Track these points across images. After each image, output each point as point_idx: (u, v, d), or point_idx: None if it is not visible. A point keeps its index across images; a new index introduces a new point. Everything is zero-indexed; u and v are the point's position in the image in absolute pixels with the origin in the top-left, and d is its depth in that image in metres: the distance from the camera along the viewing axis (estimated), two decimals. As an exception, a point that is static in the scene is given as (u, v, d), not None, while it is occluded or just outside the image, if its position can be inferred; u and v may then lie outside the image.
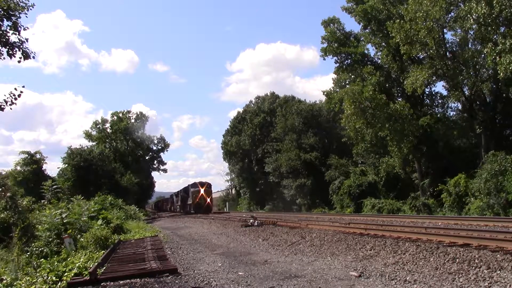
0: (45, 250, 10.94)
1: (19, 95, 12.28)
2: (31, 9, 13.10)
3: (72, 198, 20.23)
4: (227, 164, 69.69)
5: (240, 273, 7.59)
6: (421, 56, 29.15)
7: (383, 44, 32.22)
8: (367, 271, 7.13)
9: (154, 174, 76.29)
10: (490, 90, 28.71)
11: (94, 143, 60.61)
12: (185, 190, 52.19)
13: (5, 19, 12.62)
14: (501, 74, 19.62)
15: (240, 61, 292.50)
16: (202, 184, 47.43)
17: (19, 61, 13.09)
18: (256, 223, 18.92)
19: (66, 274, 7.85)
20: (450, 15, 25.55)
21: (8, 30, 12.69)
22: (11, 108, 12.26)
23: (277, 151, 50.06)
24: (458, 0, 23.63)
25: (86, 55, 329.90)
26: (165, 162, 75.23)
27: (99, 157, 43.58)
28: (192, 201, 46.11)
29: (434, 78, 28.13)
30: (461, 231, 10.92)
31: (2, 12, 12.46)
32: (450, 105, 34.39)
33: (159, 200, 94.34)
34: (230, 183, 75.51)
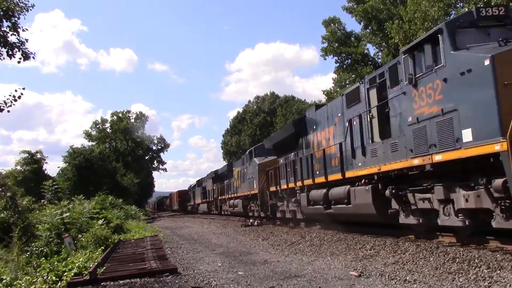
0: (45, 250, 10.95)
1: (19, 97, 12.31)
2: (31, 10, 13.14)
3: (73, 198, 20.25)
4: (226, 163, 69.63)
5: (240, 273, 7.60)
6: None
7: (384, 44, 32.24)
8: (367, 271, 7.13)
9: (154, 173, 76.31)
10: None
11: (94, 143, 60.64)
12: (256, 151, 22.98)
13: (4, 20, 12.66)
14: None
15: (239, 61, 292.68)
16: None
17: (19, 62, 13.14)
18: (256, 223, 18.93)
19: (66, 273, 7.86)
20: (451, 16, 25.55)
21: (7, 30, 12.73)
22: (8, 111, 12.29)
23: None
24: (457, 1, 23.64)
25: (85, 54, 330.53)
26: (165, 161, 75.35)
27: (99, 156, 43.57)
28: None
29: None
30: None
31: (2, 13, 12.48)
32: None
33: (162, 198, 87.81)
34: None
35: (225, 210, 31.14)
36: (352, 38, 35.61)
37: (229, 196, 28.86)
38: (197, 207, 45.86)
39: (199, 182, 45.09)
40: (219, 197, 32.88)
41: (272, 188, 18.53)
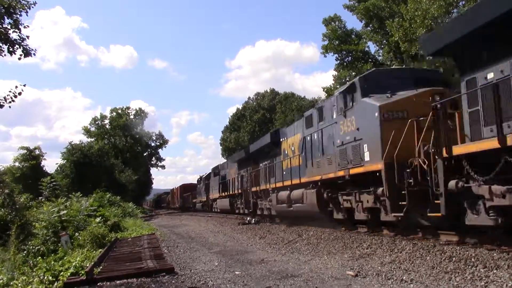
0: (41, 249, 10.93)
1: (19, 93, 12.34)
2: (32, 7, 13.17)
3: (70, 195, 20.23)
4: (225, 160, 69.51)
5: (236, 273, 7.59)
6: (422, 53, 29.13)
7: (384, 41, 32.22)
8: (364, 270, 7.12)
9: (152, 170, 76.30)
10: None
11: (93, 139, 60.58)
12: None
13: (6, 17, 12.67)
14: None
15: (240, 58, 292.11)
16: None
17: (19, 58, 13.18)
18: (253, 221, 18.96)
19: (62, 273, 7.83)
20: (453, 15, 25.50)
21: (9, 27, 12.76)
22: (10, 107, 12.32)
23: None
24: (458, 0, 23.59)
25: (85, 51, 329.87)
26: (163, 158, 75.33)
27: (98, 153, 43.52)
28: None
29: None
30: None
31: (4, 10, 12.49)
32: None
33: (161, 195, 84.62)
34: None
35: (264, 208, 20.26)
36: (353, 36, 35.60)
37: (277, 185, 17.57)
38: (211, 204, 35.64)
39: (216, 171, 34.75)
40: (253, 189, 21.88)
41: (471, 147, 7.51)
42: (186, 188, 51.55)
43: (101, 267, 8.24)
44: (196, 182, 47.54)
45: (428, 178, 8.35)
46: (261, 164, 21.12)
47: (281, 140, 18.22)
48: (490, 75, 7.46)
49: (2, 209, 14.12)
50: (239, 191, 24.86)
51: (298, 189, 14.94)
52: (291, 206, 15.63)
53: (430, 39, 9.49)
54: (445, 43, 8.32)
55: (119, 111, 66.35)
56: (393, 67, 13.47)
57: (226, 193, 28.50)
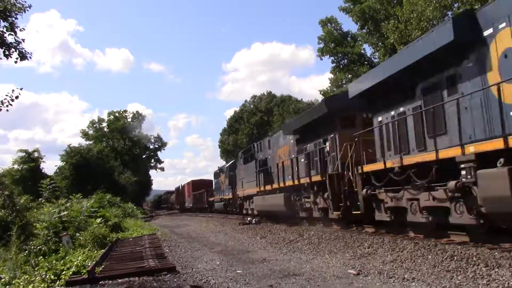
0: (43, 249, 10.92)
1: (16, 97, 12.35)
2: (27, 10, 13.17)
3: (70, 197, 20.20)
4: (225, 162, 69.56)
5: (238, 271, 7.60)
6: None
7: (380, 44, 32.31)
8: (365, 269, 7.14)
9: (151, 172, 76.17)
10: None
11: (91, 142, 60.51)
12: None
13: (1, 20, 12.68)
14: None
15: (236, 61, 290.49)
16: None
17: (15, 62, 13.18)
18: (254, 221, 18.97)
19: (64, 272, 7.86)
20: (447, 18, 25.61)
21: (4, 31, 12.76)
22: (7, 110, 12.33)
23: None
24: (453, 2, 23.69)
25: (81, 54, 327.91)
26: (162, 160, 75.27)
27: (97, 155, 43.53)
28: None
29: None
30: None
31: (-1, 13, 12.50)
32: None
33: (162, 195, 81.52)
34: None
35: (410, 210, 9.36)
36: (349, 38, 35.69)
37: None
38: (241, 203, 25.18)
39: (247, 155, 24.21)
40: (364, 168, 10.99)
41: None
42: (198, 185, 42.95)
43: (102, 266, 8.25)
44: (205, 179, 41.54)
45: None
46: (380, 118, 11.23)
47: (486, 32, 7.42)
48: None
49: (3, 210, 14.11)
50: (312, 179, 14.50)
51: None
52: None
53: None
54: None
55: (117, 114, 66.38)
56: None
57: (272, 186, 18.54)
